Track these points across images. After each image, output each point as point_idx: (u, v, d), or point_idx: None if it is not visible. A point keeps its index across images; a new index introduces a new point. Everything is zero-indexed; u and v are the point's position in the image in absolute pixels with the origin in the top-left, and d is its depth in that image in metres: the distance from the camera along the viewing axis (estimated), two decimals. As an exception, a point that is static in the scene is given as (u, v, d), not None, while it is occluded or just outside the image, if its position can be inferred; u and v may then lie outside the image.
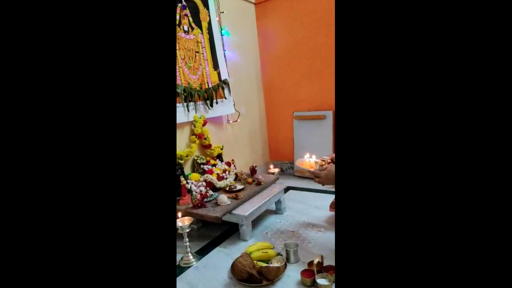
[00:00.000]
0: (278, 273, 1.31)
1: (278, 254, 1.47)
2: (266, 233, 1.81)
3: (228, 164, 2.20)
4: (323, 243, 1.59)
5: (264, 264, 1.36)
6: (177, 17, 2.04)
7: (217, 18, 2.41)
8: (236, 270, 1.33)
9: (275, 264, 1.38)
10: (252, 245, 1.56)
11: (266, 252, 1.46)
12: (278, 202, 2.05)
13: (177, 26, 2.03)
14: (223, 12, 2.48)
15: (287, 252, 1.44)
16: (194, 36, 2.18)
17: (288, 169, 3.10)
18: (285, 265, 1.38)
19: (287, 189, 2.49)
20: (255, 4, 2.94)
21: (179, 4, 2.05)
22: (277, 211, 2.08)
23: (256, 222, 1.91)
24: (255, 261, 1.39)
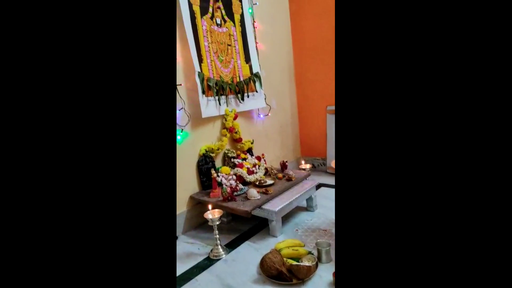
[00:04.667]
0: (309, 272, 1.25)
1: (309, 252, 1.41)
2: (296, 230, 1.75)
3: (258, 158, 2.17)
4: (357, 244, 1.50)
5: (294, 262, 1.31)
6: (210, 9, 2.04)
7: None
8: (265, 266, 1.30)
9: (306, 263, 1.32)
10: (282, 241, 1.51)
11: (296, 250, 1.41)
12: (310, 199, 1.98)
13: (209, 19, 2.03)
14: (256, 4, 2.43)
15: (319, 251, 1.38)
16: (227, 29, 2.17)
17: (320, 165, 3.00)
18: (317, 265, 1.32)
19: (319, 186, 2.40)
20: (288, -6, 2.85)
21: (212, -3, 2.04)
22: (308, 208, 2.02)
23: (286, 218, 1.87)
24: (285, 259, 1.35)
